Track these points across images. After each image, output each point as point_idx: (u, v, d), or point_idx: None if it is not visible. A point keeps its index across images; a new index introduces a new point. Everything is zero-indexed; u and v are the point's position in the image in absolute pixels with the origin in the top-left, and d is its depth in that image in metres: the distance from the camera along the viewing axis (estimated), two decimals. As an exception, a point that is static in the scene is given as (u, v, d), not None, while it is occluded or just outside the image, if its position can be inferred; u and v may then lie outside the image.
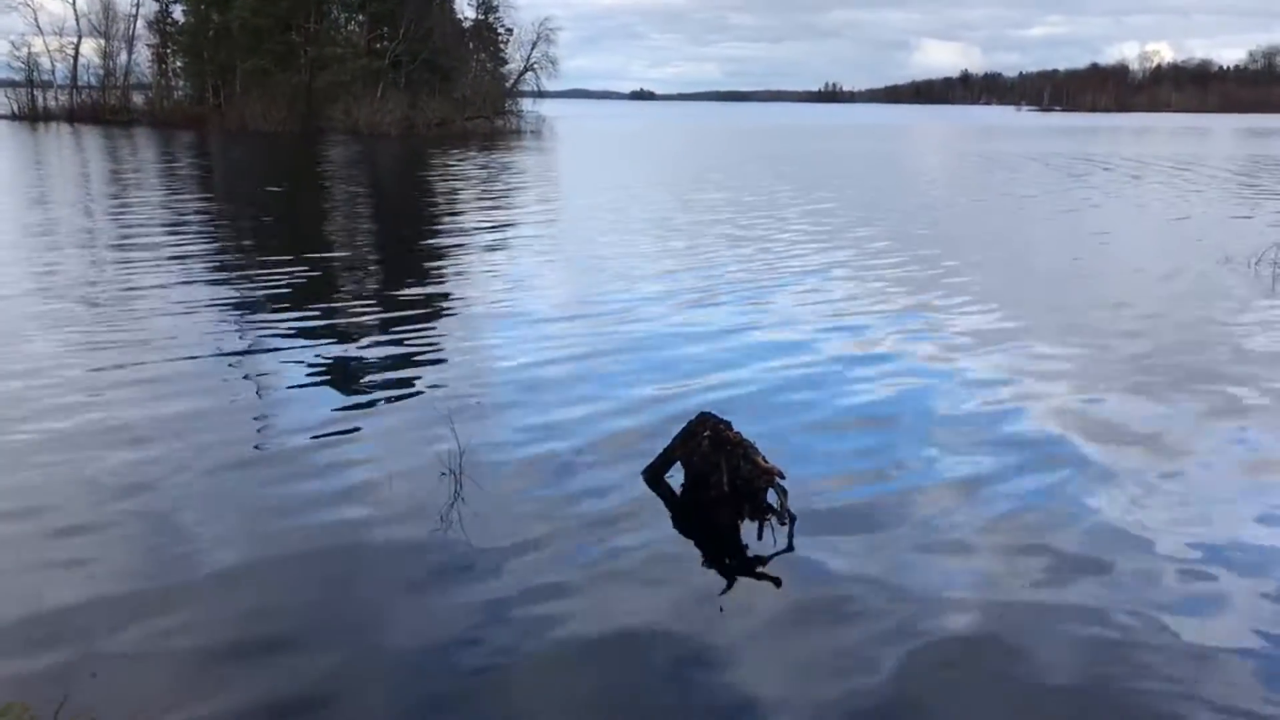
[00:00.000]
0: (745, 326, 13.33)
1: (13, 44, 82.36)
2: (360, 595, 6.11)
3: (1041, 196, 33.77)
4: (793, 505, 7.03)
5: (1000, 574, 6.49)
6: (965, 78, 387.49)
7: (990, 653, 5.59)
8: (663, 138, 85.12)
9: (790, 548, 6.80)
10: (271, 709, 4.98)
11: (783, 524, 6.94)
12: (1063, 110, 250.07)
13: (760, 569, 6.59)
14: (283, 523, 7.03)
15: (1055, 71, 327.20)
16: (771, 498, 7.11)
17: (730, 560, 6.84)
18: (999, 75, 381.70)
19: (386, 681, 5.21)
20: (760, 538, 6.96)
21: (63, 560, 6.42)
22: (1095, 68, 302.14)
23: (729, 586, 6.40)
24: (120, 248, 19.53)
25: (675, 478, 7.76)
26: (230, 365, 11.09)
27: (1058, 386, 10.62)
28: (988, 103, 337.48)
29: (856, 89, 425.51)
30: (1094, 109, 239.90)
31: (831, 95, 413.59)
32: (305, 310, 14.04)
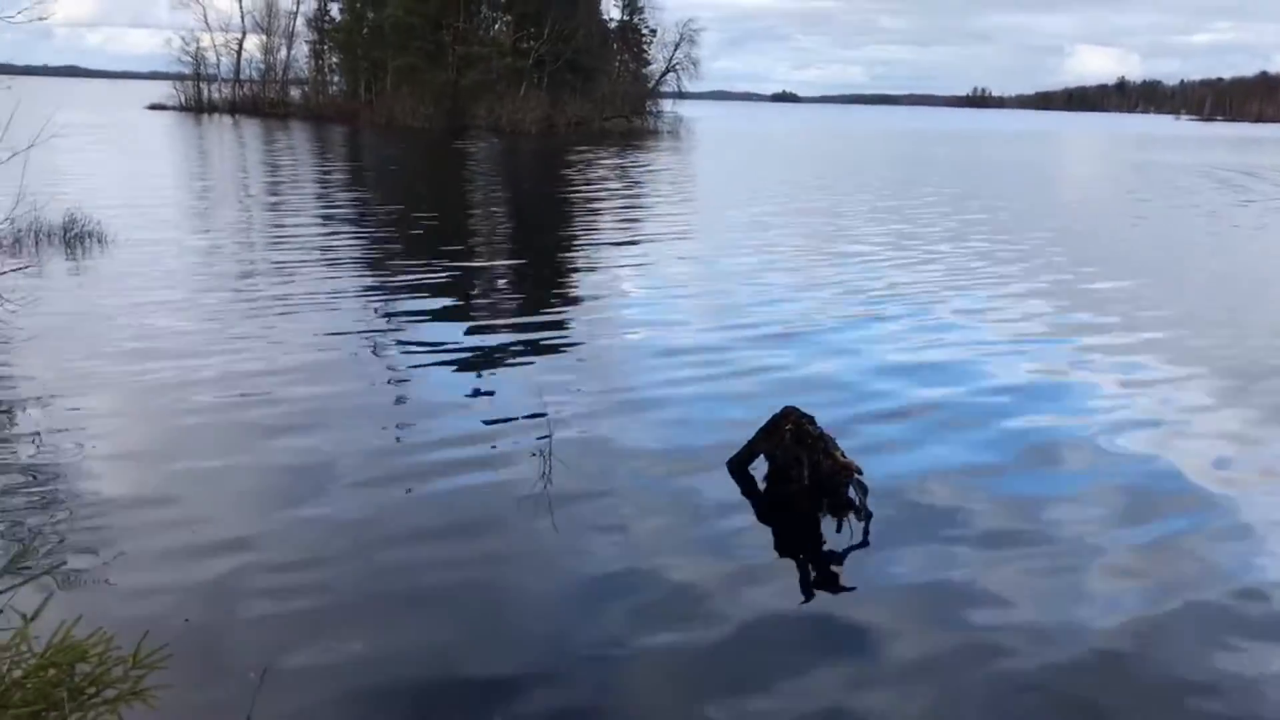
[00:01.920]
0: (864, 341, 12.95)
1: (183, 39, 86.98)
2: (470, 572, 6.55)
3: (1214, 212, 32.20)
4: (885, 506, 7.21)
5: (1109, 596, 6.55)
6: (1121, 85, 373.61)
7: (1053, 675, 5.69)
8: (804, 140, 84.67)
9: (865, 543, 6.98)
10: (389, 658, 5.44)
11: (860, 520, 7.13)
12: (1224, 120, 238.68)
13: (835, 565, 6.80)
14: (403, 495, 7.55)
15: (1219, 80, 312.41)
16: (852, 494, 7.31)
17: (806, 553, 7.06)
18: (1158, 83, 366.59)
19: (487, 657, 5.63)
20: (839, 531, 7.17)
21: (221, 541, 7.05)
22: (1264, 76, 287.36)
23: (803, 579, 6.63)
24: (273, 237, 20.69)
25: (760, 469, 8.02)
26: (365, 348, 11.74)
27: (1226, 427, 9.84)
28: (1144, 111, 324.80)
29: (1006, 94, 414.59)
30: (1260, 119, 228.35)
31: (980, 100, 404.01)
32: (438, 300, 14.64)
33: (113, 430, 8.60)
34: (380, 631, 5.66)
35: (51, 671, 3.41)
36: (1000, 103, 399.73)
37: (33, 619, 3.55)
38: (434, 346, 11.87)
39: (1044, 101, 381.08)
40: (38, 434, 8.37)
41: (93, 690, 3.47)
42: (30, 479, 7.45)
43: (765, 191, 34.69)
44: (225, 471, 7.86)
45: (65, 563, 6.02)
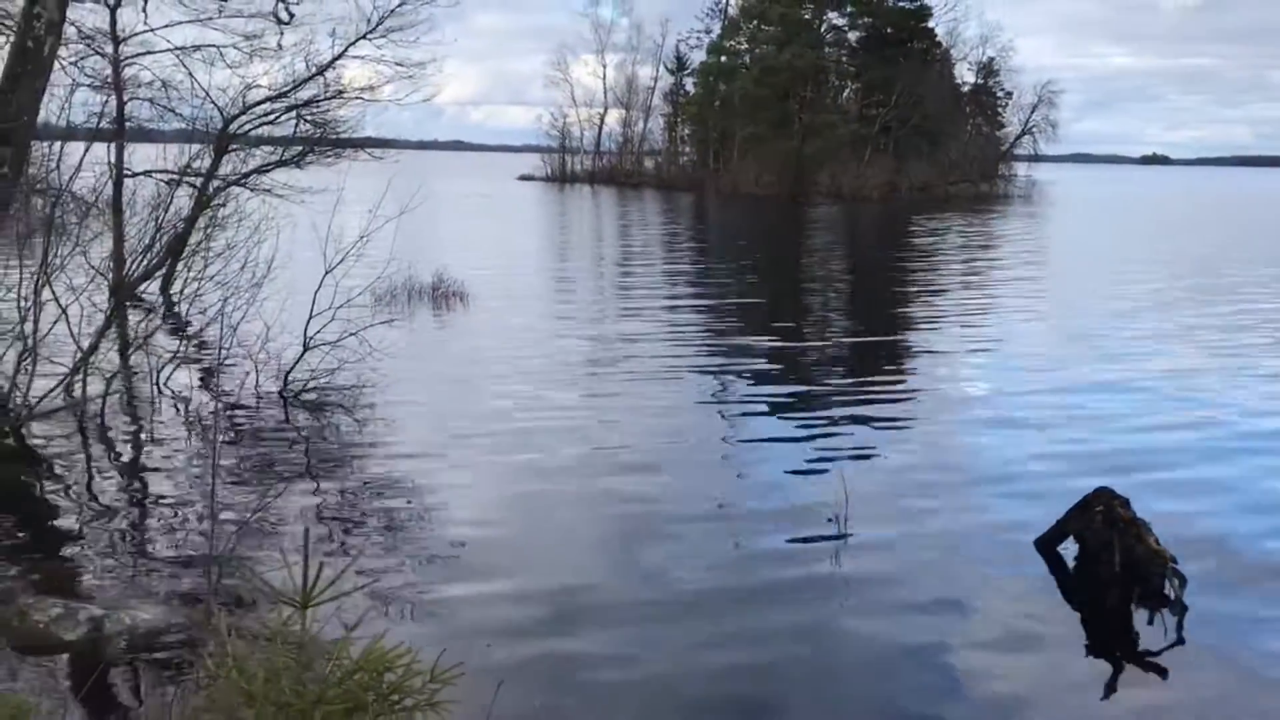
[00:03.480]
0: (1212, 439, 11.37)
1: (552, 115, 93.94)
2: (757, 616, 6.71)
3: None
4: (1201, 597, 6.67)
5: None
6: None
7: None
8: (1172, 207, 78.57)
9: (1181, 640, 6.47)
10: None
11: (1174, 614, 6.61)
12: None
13: (1149, 659, 6.33)
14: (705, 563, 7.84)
15: None
16: (1166, 586, 6.80)
17: (1116, 644, 6.65)
18: None
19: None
20: (1150, 624, 6.69)
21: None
22: None
23: (1112, 669, 6.25)
24: (621, 306, 21.95)
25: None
26: (702, 420, 12.08)
27: None
28: None
29: None
30: None
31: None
32: (770, 374, 14.75)
33: (458, 476, 9.45)
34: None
35: (363, 676, 3.87)
36: None
37: (353, 629, 4.03)
38: (764, 421, 12.00)
39: None
40: (390, 472, 9.39)
41: (395, 698, 3.91)
42: (383, 515, 8.38)
43: (1125, 270, 32.35)
44: (560, 525, 8.43)
45: (382, 584, 6.71)
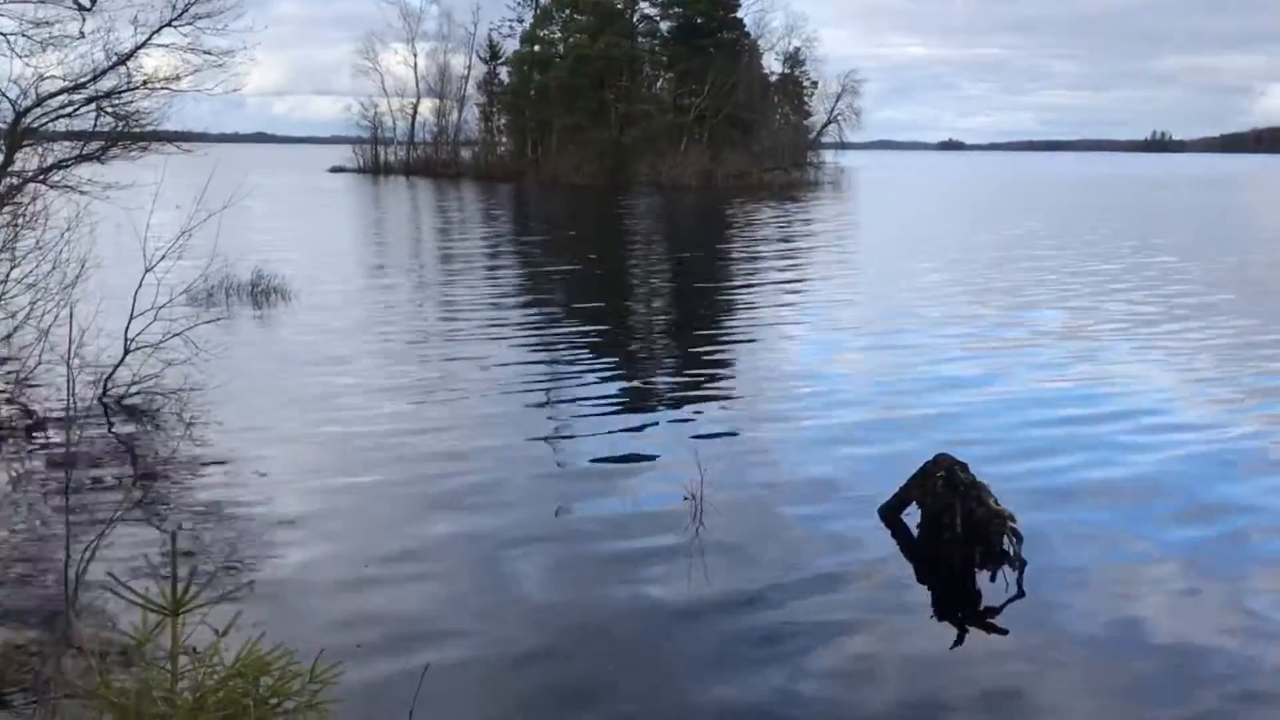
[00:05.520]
0: (1025, 393, 12.59)
1: (362, 105, 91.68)
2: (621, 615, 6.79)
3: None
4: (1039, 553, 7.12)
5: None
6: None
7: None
8: (969, 190, 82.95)
9: (1021, 594, 6.88)
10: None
11: (1014, 569, 7.04)
12: None
13: (989, 616, 6.73)
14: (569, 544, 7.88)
15: None
16: (1006, 543, 7.23)
17: (960, 603, 7.02)
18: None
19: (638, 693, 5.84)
20: (993, 581, 7.09)
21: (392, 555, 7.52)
22: None
23: (957, 630, 6.61)
24: (443, 293, 21.66)
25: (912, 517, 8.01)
26: (530, 397, 12.21)
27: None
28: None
29: (1188, 138, 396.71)
30: None
31: (1160, 144, 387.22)
32: (598, 350, 15.10)
33: (292, 471, 9.20)
34: (526, 650, 5.93)
35: (239, 682, 3.77)
36: (1181, 146, 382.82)
37: (224, 634, 3.91)
38: (595, 395, 12.28)
39: (1231, 144, 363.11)
40: (225, 471, 9.09)
41: (275, 701, 3.82)
42: (218, 512, 8.10)
43: (926, 243, 34.22)
44: (395, 513, 8.31)
45: (251, 586, 6.51)
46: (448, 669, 5.70)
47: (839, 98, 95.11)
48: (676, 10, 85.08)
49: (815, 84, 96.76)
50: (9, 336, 12.11)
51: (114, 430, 10.58)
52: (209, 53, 18.33)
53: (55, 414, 10.54)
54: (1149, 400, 12.25)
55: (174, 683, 3.71)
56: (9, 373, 12.12)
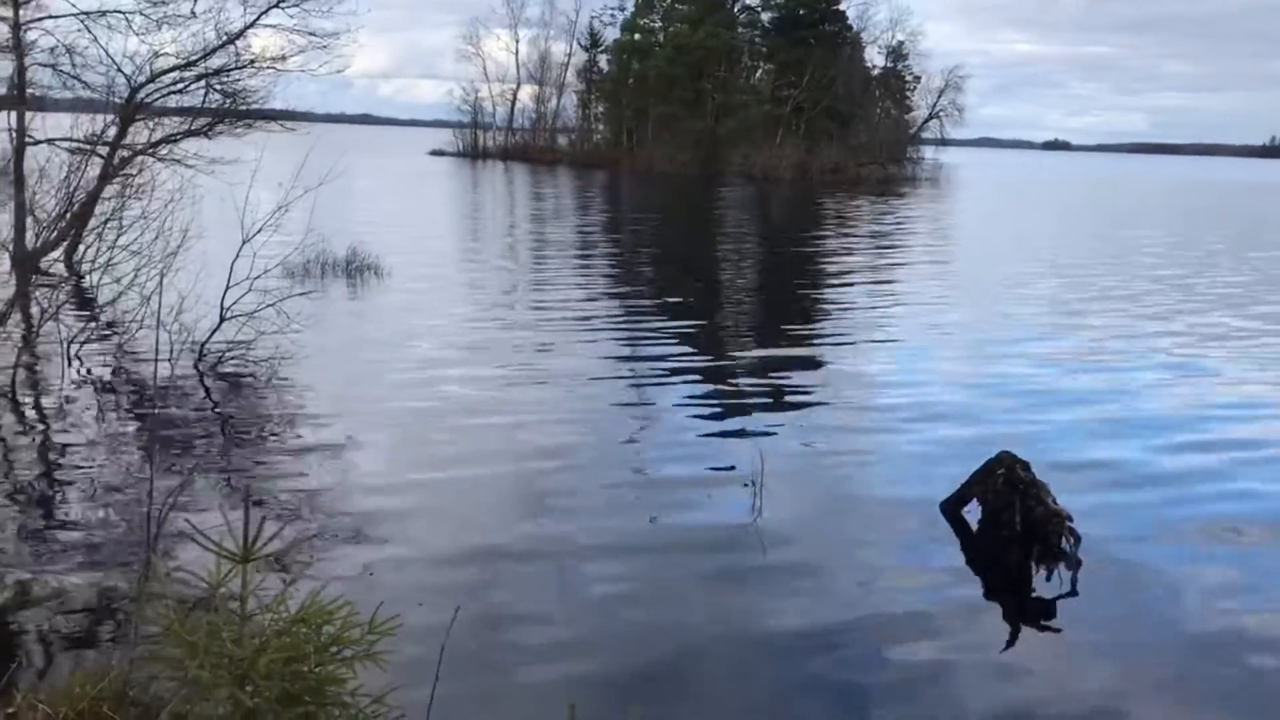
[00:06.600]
0: (1105, 401, 12.31)
1: (464, 90, 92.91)
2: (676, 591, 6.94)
3: None
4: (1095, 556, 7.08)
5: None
6: None
7: None
8: (1076, 191, 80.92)
9: (1074, 592, 6.88)
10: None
11: (1069, 569, 7.02)
12: None
13: (1042, 614, 6.75)
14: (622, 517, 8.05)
15: None
16: (1064, 543, 7.22)
17: (1014, 599, 7.05)
18: None
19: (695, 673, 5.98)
20: (1049, 580, 7.10)
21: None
22: None
23: (1011, 626, 6.63)
24: (533, 277, 22.00)
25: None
26: (613, 383, 12.41)
27: None
28: None
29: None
30: None
31: (1277, 150, 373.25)
32: (683, 346, 15.04)
33: (370, 442, 9.56)
34: (586, 631, 6.13)
35: (302, 628, 3.99)
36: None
37: (291, 584, 4.14)
38: (681, 397, 12.04)
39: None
40: (305, 435, 9.53)
41: (334, 649, 4.03)
42: (294, 472, 8.53)
43: (1031, 246, 33.58)
44: (479, 490, 8.57)
45: (320, 542, 6.81)
46: (511, 645, 5.91)
47: (941, 93, 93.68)
48: (778, 2, 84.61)
49: (918, 79, 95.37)
50: (114, 301, 12.71)
51: (206, 392, 11.06)
52: (314, 34, 18.98)
53: (151, 375, 11.06)
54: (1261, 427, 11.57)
55: (242, 626, 3.94)
56: (112, 334, 12.73)
